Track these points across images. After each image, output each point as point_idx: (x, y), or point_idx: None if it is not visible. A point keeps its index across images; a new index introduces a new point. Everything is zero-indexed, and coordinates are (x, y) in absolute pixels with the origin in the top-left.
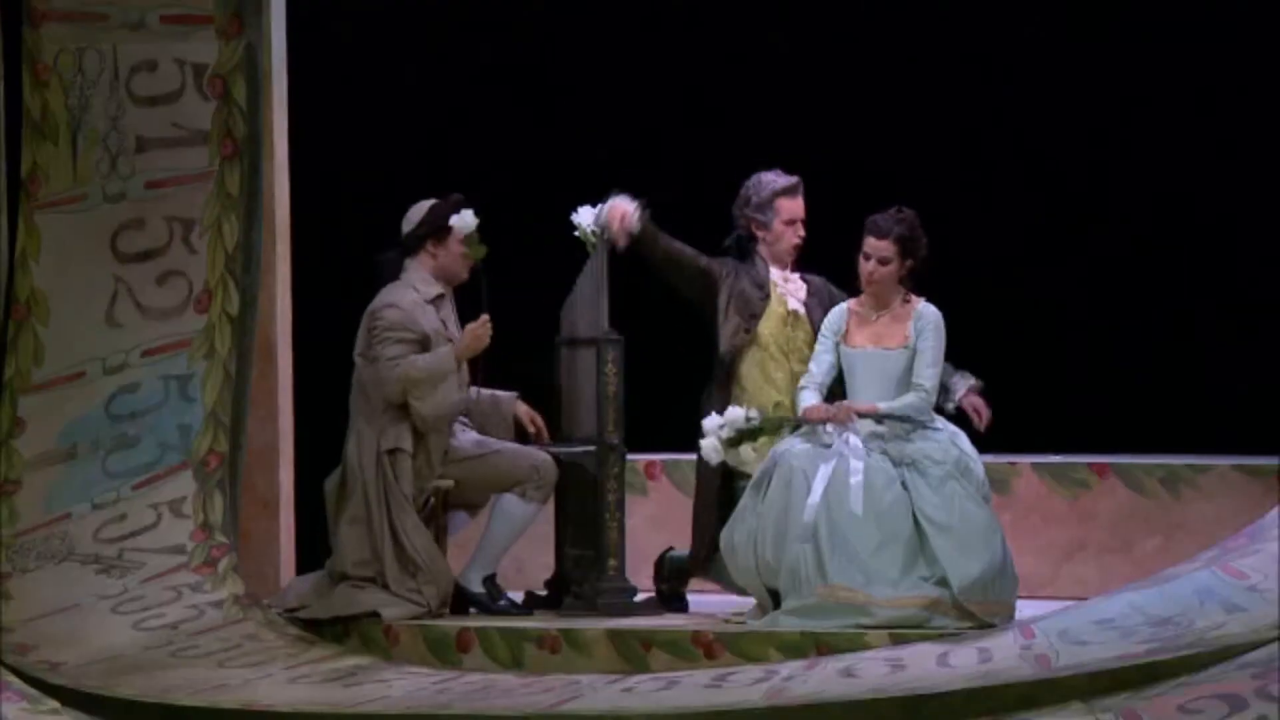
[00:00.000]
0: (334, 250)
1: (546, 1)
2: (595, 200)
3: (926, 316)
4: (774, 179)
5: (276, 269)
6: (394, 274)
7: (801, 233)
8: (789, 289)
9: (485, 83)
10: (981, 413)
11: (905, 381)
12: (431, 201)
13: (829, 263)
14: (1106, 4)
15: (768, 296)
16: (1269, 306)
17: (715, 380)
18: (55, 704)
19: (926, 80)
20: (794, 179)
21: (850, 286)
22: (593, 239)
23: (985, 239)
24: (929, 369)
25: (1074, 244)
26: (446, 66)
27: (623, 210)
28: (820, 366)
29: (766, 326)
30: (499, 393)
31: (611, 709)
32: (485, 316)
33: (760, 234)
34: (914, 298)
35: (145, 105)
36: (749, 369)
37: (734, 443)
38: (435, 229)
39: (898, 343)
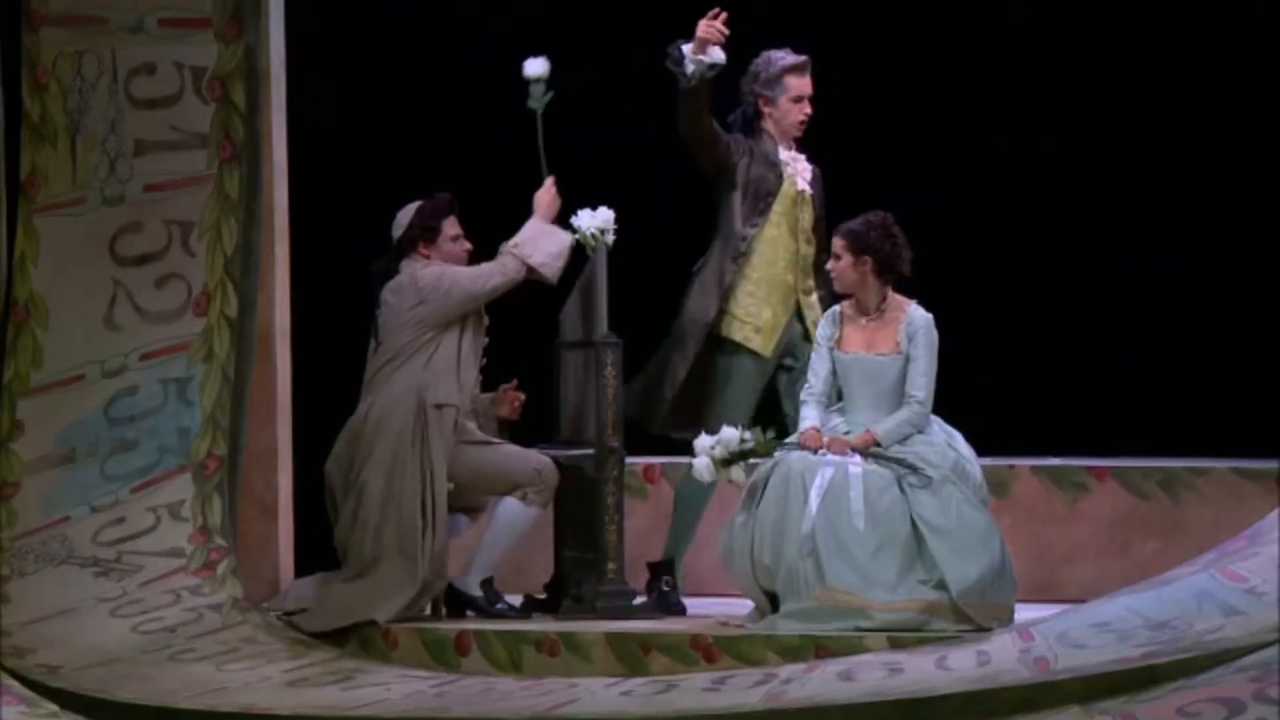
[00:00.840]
0: (333, 253)
1: (545, 4)
2: (593, 204)
3: (916, 322)
4: (783, 55)
5: (275, 272)
6: (393, 275)
7: (808, 110)
8: (798, 169)
9: (483, 85)
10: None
11: (900, 388)
12: (418, 203)
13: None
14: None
15: (781, 177)
16: (1267, 309)
17: (726, 254)
18: (54, 707)
19: (919, 81)
20: (803, 57)
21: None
22: (591, 242)
23: (983, 241)
24: (922, 378)
25: (1072, 246)
26: (445, 69)
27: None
28: (818, 376)
29: (780, 205)
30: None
31: (610, 712)
32: (551, 179)
33: (767, 110)
34: (902, 300)
35: (144, 108)
36: (758, 244)
37: (727, 462)
38: (424, 230)
39: (889, 348)
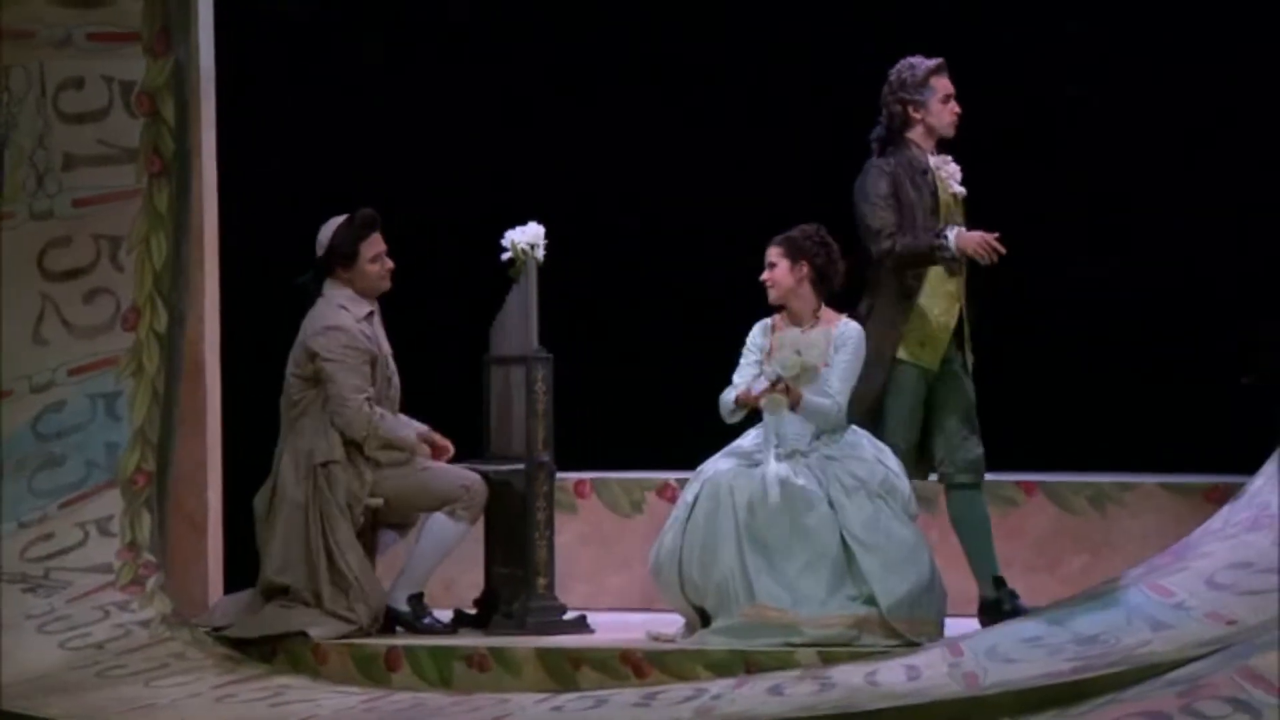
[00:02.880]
0: (262, 268)
1: (471, 23)
2: (525, 219)
3: (848, 334)
4: (922, 60)
5: (205, 287)
6: (316, 294)
7: (957, 108)
8: (949, 170)
9: (413, 102)
10: (987, 248)
11: None
12: (340, 220)
13: None
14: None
15: (935, 191)
16: (1192, 328)
17: (897, 296)
18: None
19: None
20: (940, 59)
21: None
22: (522, 258)
23: None
24: (839, 382)
25: (999, 264)
26: (375, 85)
27: None
28: (742, 379)
29: (940, 215)
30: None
31: None
32: (449, 451)
33: (918, 115)
34: (835, 314)
35: (73, 122)
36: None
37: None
38: (343, 256)
39: (821, 362)
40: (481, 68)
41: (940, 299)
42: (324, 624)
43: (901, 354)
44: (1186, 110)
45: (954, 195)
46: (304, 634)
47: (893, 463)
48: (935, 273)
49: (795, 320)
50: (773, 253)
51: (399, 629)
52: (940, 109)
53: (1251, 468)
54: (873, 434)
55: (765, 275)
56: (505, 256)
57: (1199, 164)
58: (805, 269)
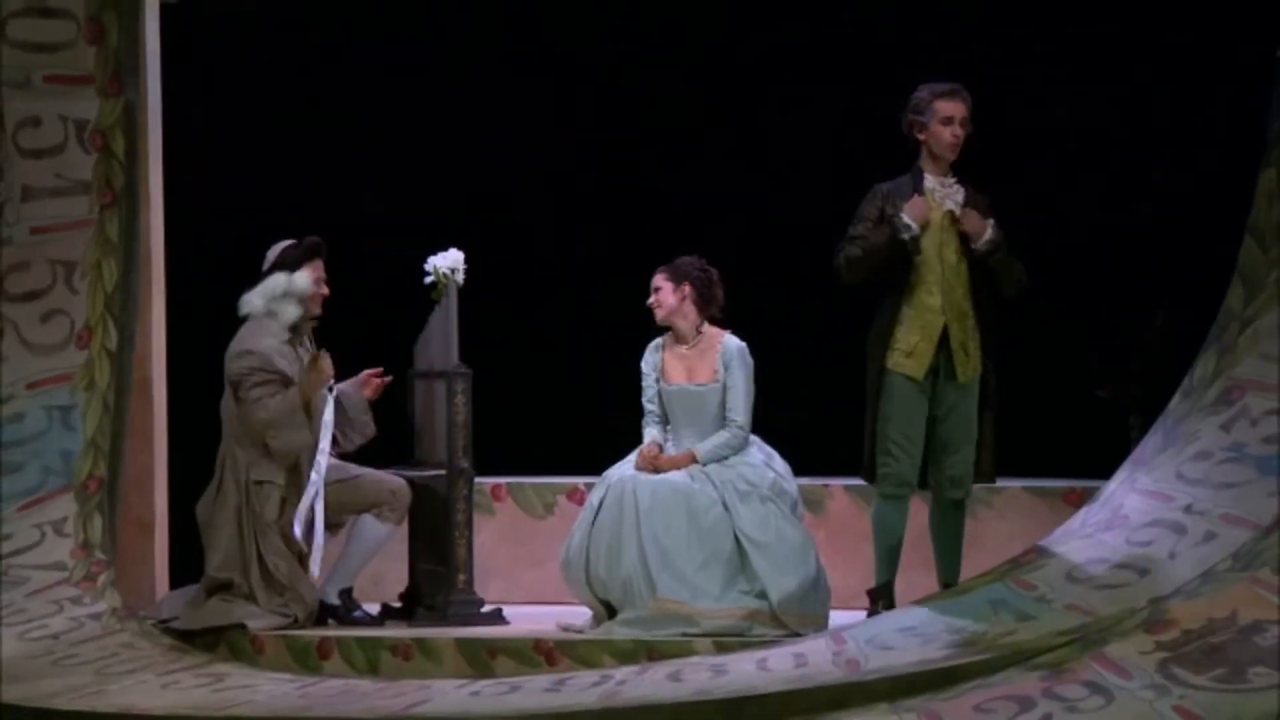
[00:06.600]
0: (205, 290)
1: (399, 60)
2: (446, 246)
3: (730, 350)
4: (935, 84)
5: (152, 307)
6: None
7: (958, 131)
8: (947, 193)
9: (355, 132)
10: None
11: (720, 414)
12: (287, 243)
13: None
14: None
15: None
16: (1056, 343)
17: (887, 304)
18: None
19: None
20: (956, 85)
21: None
22: (444, 281)
23: (795, 275)
24: (741, 403)
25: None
26: (310, 119)
27: None
28: (652, 401)
29: (927, 231)
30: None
31: (459, 712)
32: (323, 351)
33: (921, 136)
34: (717, 331)
35: (31, 158)
36: (912, 275)
37: None
38: (287, 269)
39: (707, 378)
40: (408, 105)
41: (924, 312)
42: (262, 617)
43: (889, 364)
44: (1061, 131)
45: (948, 214)
46: (243, 626)
47: (780, 467)
48: (921, 288)
49: (680, 339)
50: (658, 279)
51: (330, 621)
52: (939, 130)
53: (1106, 472)
54: (876, 442)
55: (651, 299)
56: (428, 280)
57: (1055, 178)
58: (687, 289)
